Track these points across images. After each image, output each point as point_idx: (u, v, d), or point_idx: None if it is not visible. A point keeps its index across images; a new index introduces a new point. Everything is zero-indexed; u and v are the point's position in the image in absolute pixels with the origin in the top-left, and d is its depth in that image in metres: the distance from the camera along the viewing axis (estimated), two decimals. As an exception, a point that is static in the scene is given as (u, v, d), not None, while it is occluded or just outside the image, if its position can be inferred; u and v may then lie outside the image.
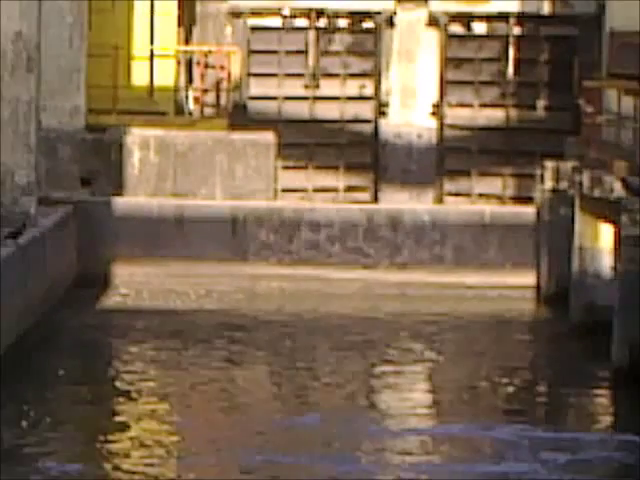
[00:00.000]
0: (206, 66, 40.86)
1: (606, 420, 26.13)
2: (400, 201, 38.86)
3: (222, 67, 40.51)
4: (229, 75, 40.33)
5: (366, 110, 40.55)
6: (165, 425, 24.70)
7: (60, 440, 22.73)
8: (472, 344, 31.57)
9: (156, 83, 38.34)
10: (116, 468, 21.15)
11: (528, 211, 35.45)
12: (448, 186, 39.94)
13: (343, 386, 28.13)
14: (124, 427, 24.24)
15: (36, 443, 22.10)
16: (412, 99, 40.33)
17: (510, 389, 28.08)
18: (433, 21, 40.36)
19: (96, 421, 24.56)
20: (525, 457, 22.31)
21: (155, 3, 38.20)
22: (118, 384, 27.76)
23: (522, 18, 40.30)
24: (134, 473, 21.45)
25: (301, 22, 40.33)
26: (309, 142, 39.49)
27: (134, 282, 33.79)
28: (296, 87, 40.34)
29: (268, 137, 37.25)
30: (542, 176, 34.23)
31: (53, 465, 20.80)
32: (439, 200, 39.45)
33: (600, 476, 22.27)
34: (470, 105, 40.40)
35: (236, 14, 40.31)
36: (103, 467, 21.63)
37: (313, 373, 28.89)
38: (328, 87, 40.41)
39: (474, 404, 27.08)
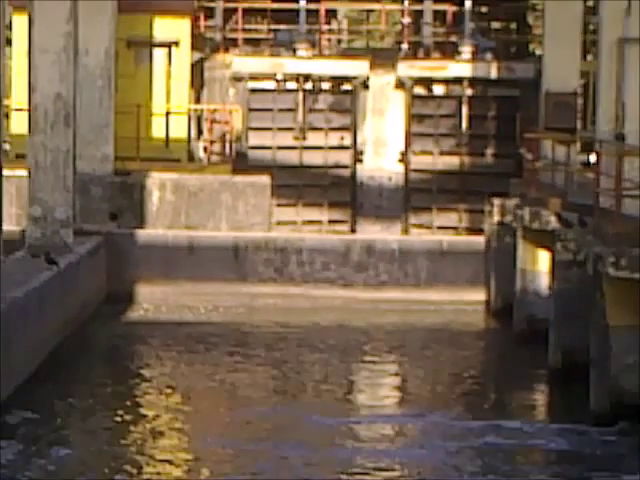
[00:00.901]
0: (213, 121, 40.74)
1: (543, 412, 25.84)
2: (373, 232, 38.89)
3: (226, 122, 40.35)
4: (232, 129, 40.18)
5: (345, 157, 40.42)
6: (177, 412, 25.27)
7: (94, 422, 22.99)
8: (431, 349, 31.55)
9: (171, 135, 38.15)
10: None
11: (479, 240, 35.34)
12: (413, 219, 39.90)
13: (329, 381, 28.35)
14: (138, 404, 25.35)
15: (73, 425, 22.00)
16: (383, 148, 40.21)
17: (461, 385, 28.14)
18: (400, 84, 40.26)
19: (120, 407, 24.74)
20: (472, 442, 22.22)
21: (171, 69, 37.95)
22: (134, 377, 28.22)
23: (473, 81, 40.23)
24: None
25: (291, 85, 40.30)
26: (298, 184, 39.42)
27: (154, 299, 33.70)
28: (287, 138, 40.24)
29: (264, 179, 37.10)
30: (490, 211, 34.16)
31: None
32: (405, 231, 39.36)
33: (540, 460, 22.06)
34: (431, 153, 40.34)
35: (238, 79, 40.23)
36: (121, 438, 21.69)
37: (300, 371, 29.06)
38: (314, 138, 40.32)
39: (431, 397, 27.03)
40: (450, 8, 42.78)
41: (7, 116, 28.34)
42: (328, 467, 20.93)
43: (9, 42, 28.94)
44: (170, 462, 21.96)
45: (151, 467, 21.28)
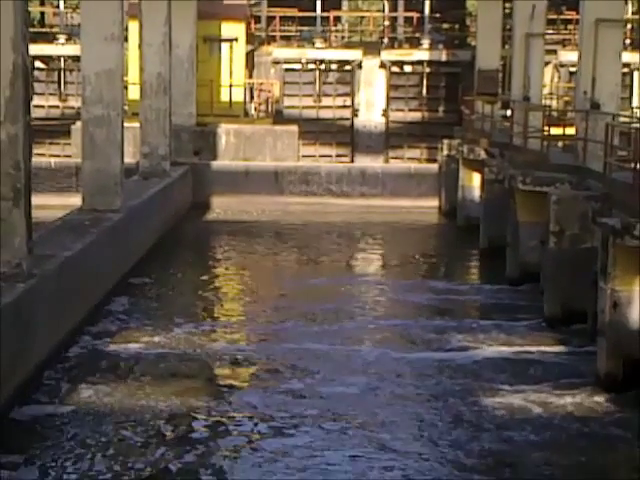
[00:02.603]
0: (260, 90, 40.49)
1: (475, 276, 26.08)
2: (365, 162, 38.58)
3: (269, 91, 40.11)
4: (272, 95, 39.97)
5: (346, 113, 40.25)
6: (234, 273, 26.07)
7: (186, 282, 22.81)
8: (402, 235, 31.40)
9: (233, 100, 37.85)
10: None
11: (434, 167, 35.16)
12: (391, 153, 39.70)
13: (337, 257, 28.59)
14: (214, 273, 25.26)
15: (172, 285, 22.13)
16: (371, 107, 39.94)
17: (422, 259, 28.23)
18: (382, 65, 40.03)
19: (200, 275, 24.92)
20: (427, 295, 22.23)
21: (232, 56, 37.75)
22: (212, 257, 28.52)
23: (430, 63, 40.10)
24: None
25: (311, 66, 40.04)
26: (316, 130, 39.16)
27: (223, 206, 33.67)
28: (309, 101, 40.07)
29: (294, 128, 36.84)
30: (441, 148, 33.94)
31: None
32: (386, 161, 39.20)
33: (471, 306, 22.17)
34: (403, 110, 40.06)
35: (276, 62, 39.99)
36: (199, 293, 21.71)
37: (320, 251, 29.04)
38: (326, 101, 40.21)
39: (399, 268, 27.31)
40: (415, 15, 42.42)
41: (126, 88, 28.33)
42: (339, 292, 21.78)
43: (126, 39, 28.83)
44: (235, 300, 22.97)
45: (223, 302, 21.92)
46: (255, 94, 40.77)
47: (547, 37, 31.73)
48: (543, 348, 18.09)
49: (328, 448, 13.25)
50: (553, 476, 12.56)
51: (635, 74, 39.35)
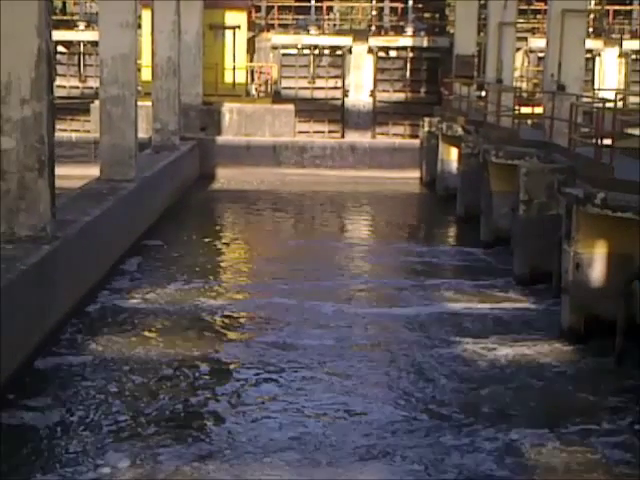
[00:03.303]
0: (260, 73, 40.41)
1: (452, 240, 26.14)
2: (354, 137, 38.42)
3: (268, 73, 40.04)
4: (271, 77, 39.92)
5: (338, 94, 40.10)
6: (236, 235, 26.19)
7: (193, 242, 22.85)
8: (387, 202, 31.40)
9: (236, 81, 37.82)
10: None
11: (416, 142, 35.10)
12: (378, 130, 39.57)
13: (329, 222, 28.84)
14: (219, 236, 25.22)
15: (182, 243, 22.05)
16: (360, 88, 39.78)
17: (406, 224, 28.30)
18: (370, 50, 39.85)
19: (204, 237, 24.89)
20: (410, 255, 22.18)
21: (235, 42, 37.64)
22: (217, 221, 28.57)
23: (413, 49, 39.90)
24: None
25: (306, 51, 39.82)
26: (310, 109, 38.96)
27: (226, 177, 33.73)
28: (304, 83, 39.91)
29: (290, 107, 36.76)
30: (423, 125, 33.84)
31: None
32: (373, 136, 39.08)
33: (450, 266, 22.19)
34: (388, 91, 39.96)
35: (275, 47, 39.84)
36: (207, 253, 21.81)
37: (313, 217, 29.32)
38: (319, 82, 40.08)
39: (384, 232, 27.27)
40: (400, 5, 42.25)
41: (139, 70, 28.23)
42: (329, 253, 21.64)
43: (139, 26, 28.67)
44: (236, 260, 23.34)
45: (225, 263, 21.97)
46: (256, 76, 40.65)
47: (518, 26, 31.70)
48: (512, 304, 18.13)
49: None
50: (514, 410, 12.63)
51: (597, 59, 39.30)
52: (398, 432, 11.83)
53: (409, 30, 40.60)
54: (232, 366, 14.48)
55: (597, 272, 15.40)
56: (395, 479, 10.61)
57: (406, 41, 40.16)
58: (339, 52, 40.17)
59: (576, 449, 11.40)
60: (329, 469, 10.70)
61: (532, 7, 42.28)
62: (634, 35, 41.11)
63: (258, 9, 42.39)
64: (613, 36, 40.80)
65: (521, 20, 36.13)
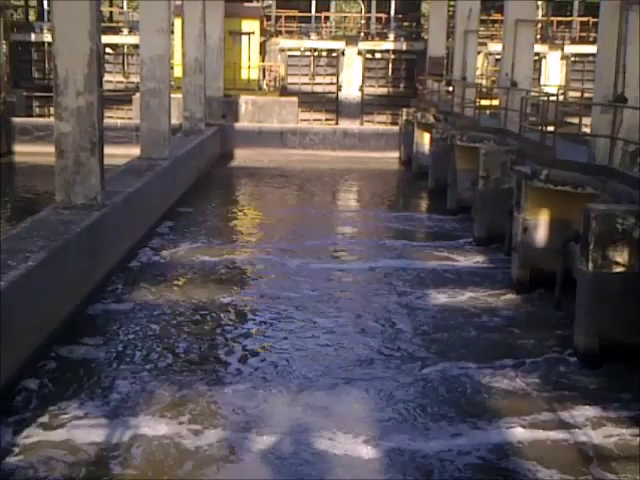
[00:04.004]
0: (270, 71, 40.04)
1: (424, 209, 26.12)
2: (346, 124, 38.07)
3: (276, 71, 39.71)
4: (279, 74, 39.57)
5: (333, 89, 39.80)
6: (249, 203, 25.52)
7: (216, 208, 22.74)
8: (371, 177, 31.22)
9: (250, 77, 37.69)
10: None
11: (396, 128, 34.89)
12: (365, 118, 39.45)
13: (324, 193, 28.34)
14: (236, 203, 24.61)
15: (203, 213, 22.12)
16: (351, 84, 39.63)
17: (386, 196, 28.09)
18: (359, 53, 39.61)
19: (225, 205, 24.76)
20: (389, 219, 22.14)
21: (250, 46, 37.42)
22: (235, 192, 28.35)
23: (394, 52, 39.73)
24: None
25: (307, 53, 39.53)
26: (310, 101, 38.81)
27: (242, 156, 33.57)
28: (306, 79, 39.64)
29: (295, 99, 36.51)
30: (401, 114, 33.72)
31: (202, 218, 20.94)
32: (361, 124, 38.89)
33: (422, 228, 22.14)
34: (374, 86, 39.76)
35: (282, 49, 39.58)
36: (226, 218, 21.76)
37: (312, 188, 28.84)
38: (318, 79, 39.75)
39: (369, 201, 27.18)
40: (384, 15, 41.89)
41: (172, 68, 27.98)
42: (323, 217, 21.59)
43: (172, 32, 28.41)
44: (250, 223, 23.15)
45: (242, 225, 21.72)
46: (266, 74, 40.34)
47: (480, 33, 31.34)
48: (471, 261, 18.18)
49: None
50: (466, 345, 12.66)
51: (543, 61, 39.17)
52: (363, 361, 11.97)
53: (391, 36, 40.36)
54: (240, 307, 14.51)
55: (541, 235, 15.43)
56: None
57: (389, 45, 39.90)
58: (334, 54, 39.90)
59: (513, 376, 11.47)
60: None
61: (491, 18, 41.96)
62: (573, 41, 41.04)
63: (269, 18, 42.01)
64: (556, 42, 40.62)
65: (482, 28, 35.75)
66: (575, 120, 20.55)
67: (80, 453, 8.90)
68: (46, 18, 39.56)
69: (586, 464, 9.06)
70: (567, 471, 8.87)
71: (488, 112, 26.64)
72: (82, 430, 9.39)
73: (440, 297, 15.22)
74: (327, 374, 11.38)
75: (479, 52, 34.40)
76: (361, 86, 39.65)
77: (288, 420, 9.90)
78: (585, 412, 10.29)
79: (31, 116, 36.99)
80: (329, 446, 9.20)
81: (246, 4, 40.63)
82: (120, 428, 9.48)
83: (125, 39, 39.72)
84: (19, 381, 10.48)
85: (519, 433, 9.72)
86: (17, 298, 10.55)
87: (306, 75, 39.77)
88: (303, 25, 41.81)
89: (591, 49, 36.14)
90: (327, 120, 39.31)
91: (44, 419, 9.59)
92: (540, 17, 39.78)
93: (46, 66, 38.42)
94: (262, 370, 11.50)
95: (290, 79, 39.72)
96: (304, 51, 39.72)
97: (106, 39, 34.76)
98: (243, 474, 8.75)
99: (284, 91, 38.81)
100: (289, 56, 39.86)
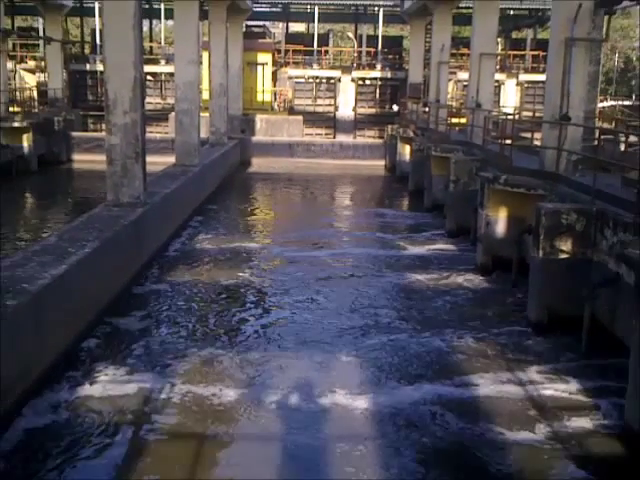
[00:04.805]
0: (280, 94, 39.79)
1: (405, 207, 25.91)
2: (342, 138, 37.64)
3: (285, 95, 39.44)
4: (288, 97, 39.29)
5: (331, 109, 39.31)
6: (264, 202, 24.66)
7: (237, 205, 22.62)
8: (362, 181, 30.83)
9: (265, 100, 37.67)
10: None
11: (382, 141, 34.79)
12: (358, 133, 38.90)
13: (324, 193, 27.80)
14: (252, 202, 24.27)
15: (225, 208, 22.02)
16: (346, 105, 39.13)
17: (373, 196, 27.85)
18: (353, 80, 39.10)
19: (244, 203, 24.34)
20: (375, 215, 22.01)
21: (264, 74, 37.37)
22: (252, 192, 27.74)
23: (381, 79, 39.29)
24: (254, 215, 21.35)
25: (311, 79, 39.05)
26: (313, 119, 38.33)
27: (258, 164, 33.42)
28: (309, 101, 39.18)
29: (300, 117, 36.52)
30: (387, 130, 33.55)
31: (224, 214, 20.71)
32: (354, 137, 38.49)
33: (402, 224, 22.01)
34: (365, 107, 39.26)
35: (290, 77, 39.08)
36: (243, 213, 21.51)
37: (314, 190, 28.48)
38: (319, 101, 39.28)
39: (361, 200, 26.77)
40: (372, 50, 41.66)
41: (201, 92, 27.76)
42: (323, 213, 21.25)
43: (201, 63, 28.15)
44: (265, 217, 22.58)
45: (258, 219, 21.49)
46: (277, 97, 40.12)
47: (450, 64, 31.25)
48: (443, 249, 18.14)
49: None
50: (436, 317, 12.58)
51: (502, 87, 39.06)
52: (354, 328, 11.92)
53: (379, 66, 39.99)
54: (259, 286, 14.45)
55: (500, 228, 15.39)
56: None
57: (376, 74, 39.48)
58: (332, 81, 39.40)
59: (475, 341, 11.46)
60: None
61: (460, 52, 41.74)
62: (527, 71, 40.92)
63: (279, 52, 41.76)
64: (513, 71, 40.48)
65: (452, 60, 35.54)
66: (528, 135, 20.54)
67: (123, 399, 9.04)
68: (98, 51, 39.42)
69: (536, 411, 9.06)
70: (519, 417, 8.87)
71: (457, 128, 26.58)
72: (124, 382, 9.49)
73: (416, 277, 15.20)
74: (322, 341, 11.38)
75: (450, 79, 34.37)
76: (354, 107, 39.34)
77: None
78: (535, 370, 10.31)
79: (86, 131, 36.92)
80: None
81: (261, 40, 40.58)
82: (159, 382, 9.53)
83: (162, 68, 39.51)
84: (81, 342, 10.67)
85: (479, 387, 9.71)
86: (76, 279, 10.55)
87: (309, 98, 39.46)
88: (307, 57, 41.50)
89: (541, 77, 36.15)
90: (327, 134, 39.02)
91: (99, 372, 9.74)
92: (500, 51, 39.54)
93: (98, 90, 38.31)
94: (278, 334, 11.52)
95: (296, 101, 39.43)
96: (308, 78, 39.33)
97: (147, 68, 34.63)
98: (260, 418, 8.73)
99: (292, 111, 38.60)
100: (296, 82, 39.49)
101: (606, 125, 24.05)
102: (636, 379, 8.18)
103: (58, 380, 9.32)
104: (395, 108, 37.60)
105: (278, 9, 47.62)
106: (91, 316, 11.31)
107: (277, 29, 52.57)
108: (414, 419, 8.70)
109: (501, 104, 37.35)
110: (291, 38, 43.27)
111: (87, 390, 9.18)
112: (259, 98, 38.22)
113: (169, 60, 38.75)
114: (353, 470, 7.55)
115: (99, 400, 8.94)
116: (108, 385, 9.35)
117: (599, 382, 9.75)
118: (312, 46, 41.26)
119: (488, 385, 9.74)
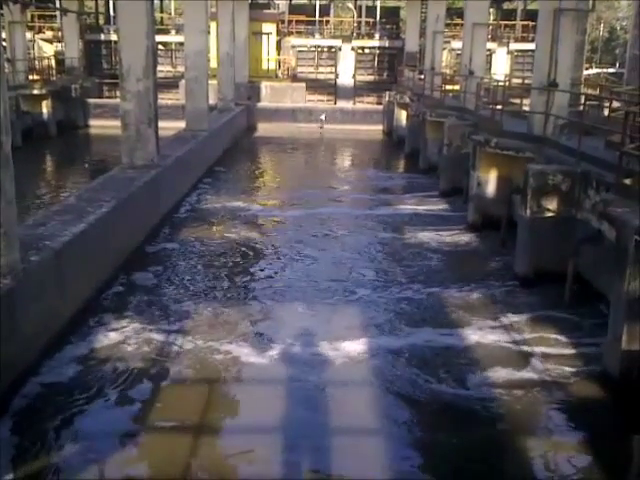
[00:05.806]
0: (284, 62, 39.13)
1: (402, 169, 25.67)
2: (342, 104, 37.01)
3: (289, 63, 38.76)
4: (291, 65, 38.63)
5: (332, 76, 38.47)
6: (268, 164, 24.38)
7: (243, 169, 22.49)
8: (361, 145, 30.54)
9: (270, 68, 37.11)
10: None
11: (380, 107, 34.41)
12: (357, 99, 38.12)
13: (325, 155, 27.56)
14: (258, 164, 24.05)
15: (232, 171, 21.86)
16: (346, 73, 38.38)
17: (373, 158, 27.57)
18: (353, 49, 38.22)
19: (251, 165, 24.24)
20: (374, 177, 21.85)
21: (269, 43, 36.77)
22: (258, 155, 27.47)
23: (380, 47, 38.29)
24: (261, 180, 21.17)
25: (313, 48, 38.23)
26: (315, 86, 37.56)
27: (263, 129, 33.17)
28: (311, 69, 38.36)
29: (303, 84, 35.97)
30: (385, 96, 33.13)
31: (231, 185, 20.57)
32: (354, 103, 37.88)
33: (399, 185, 21.84)
34: (363, 75, 38.50)
35: (293, 46, 38.25)
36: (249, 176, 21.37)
37: (315, 152, 28.15)
38: (321, 69, 38.49)
39: (360, 163, 26.53)
40: (371, 20, 40.91)
41: (209, 61, 27.32)
42: (324, 174, 21.04)
43: (209, 32, 27.58)
44: (270, 179, 22.25)
45: (263, 181, 21.35)
46: (281, 65, 39.42)
47: (445, 33, 30.65)
48: (437, 208, 18.07)
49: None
50: (431, 270, 12.55)
51: (493, 55, 38.44)
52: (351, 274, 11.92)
53: (377, 36, 39.15)
54: (260, 241, 14.44)
55: (490, 188, 15.30)
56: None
57: (375, 43, 38.62)
58: (333, 49, 38.63)
59: (466, 293, 11.51)
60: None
61: (454, 22, 40.96)
62: (517, 40, 40.25)
63: (283, 22, 40.91)
64: (503, 40, 39.81)
65: (447, 30, 34.79)
66: (518, 100, 20.25)
67: (142, 346, 9.18)
68: (112, 22, 38.75)
69: (521, 356, 9.14)
70: (503, 360, 8.94)
71: (451, 94, 26.25)
72: (142, 330, 9.62)
73: (411, 234, 15.18)
74: (327, 290, 11.40)
75: (444, 48, 33.63)
76: (354, 74, 38.64)
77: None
78: (522, 318, 10.39)
79: (102, 98, 36.54)
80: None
81: (265, 11, 39.71)
82: (174, 332, 9.60)
83: (173, 38, 38.75)
84: (104, 292, 10.87)
85: (468, 334, 9.79)
86: (95, 236, 10.53)
87: (311, 66, 38.74)
88: (309, 27, 40.78)
89: (530, 46, 35.27)
90: (328, 101, 38.44)
91: (121, 318, 9.94)
92: (491, 21, 38.83)
93: (113, 59, 37.75)
94: (280, 285, 11.53)
95: (299, 69, 38.71)
96: (310, 47, 38.54)
97: (159, 38, 34.01)
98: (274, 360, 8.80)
99: (295, 78, 37.99)
100: (298, 51, 38.72)
101: (591, 91, 23.73)
102: (615, 329, 8.22)
103: (79, 329, 9.45)
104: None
105: (282, -19, 46.75)
106: (109, 272, 11.33)
107: (281, 0, 51.64)
108: (404, 359, 8.80)
109: (492, 72, 36.77)
110: (294, 9, 42.42)
111: (107, 339, 9.32)
112: (264, 66, 37.63)
113: (179, 30, 37.95)
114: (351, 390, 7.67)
115: (119, 345, 9.13)
116: (127, 332, 9.55)
117: (581, 332, 9.79)
118: (314, 16, 40.48)
119: (475, 331, 9.83)
